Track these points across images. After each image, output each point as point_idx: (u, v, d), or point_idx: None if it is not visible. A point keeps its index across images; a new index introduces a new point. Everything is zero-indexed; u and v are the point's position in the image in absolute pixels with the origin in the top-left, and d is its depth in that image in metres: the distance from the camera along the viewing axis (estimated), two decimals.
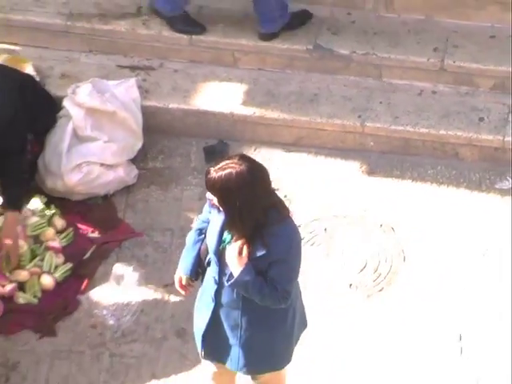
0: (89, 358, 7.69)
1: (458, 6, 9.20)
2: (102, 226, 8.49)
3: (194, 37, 9.14)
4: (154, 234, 8.57)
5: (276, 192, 6.14)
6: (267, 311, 6.24)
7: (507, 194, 8.63)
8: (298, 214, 8.17)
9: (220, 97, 9.04)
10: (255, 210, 5.86)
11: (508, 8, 9.07)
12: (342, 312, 8.06)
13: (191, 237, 6.72)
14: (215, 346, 6.60)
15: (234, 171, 5.81)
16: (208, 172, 5.90)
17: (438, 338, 7.87)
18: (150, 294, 8.20)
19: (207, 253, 6.38)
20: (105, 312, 7.96)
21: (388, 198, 8.71)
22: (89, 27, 9.20)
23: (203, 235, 6.55)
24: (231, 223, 5.97)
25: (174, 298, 8.18)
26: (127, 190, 8.70)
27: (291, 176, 8.83)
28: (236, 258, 5.90)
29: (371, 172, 8.80)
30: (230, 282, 5.97)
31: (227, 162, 5.85)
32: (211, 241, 6.22)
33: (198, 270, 6.59)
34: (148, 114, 8.82)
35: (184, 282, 6.65)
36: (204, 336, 6.56)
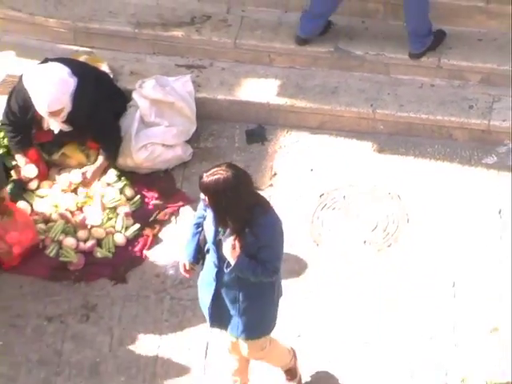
0: (153, 301, 7.98)
1: (452, 16, 9.21)
2: (163, 195, 8.64)
3: (237, 41, 9.19)
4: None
5: (257, 191, 6.52)
6: (259, 286, 6.57)
7: (492, 168, 8.66)
8: (322, 185, 8.68)
9: (258, 90, 9.08)
10: (240, 208, 6.19)
11: (492, 17, 9.11)
12: (357, 263, 8.20)
13: (191, 230, 7.00)
14: (219, 317, 6.88)
15: (221, 177, 6.11)
16: (201, 177, 6.17)
17: (434, 284, 8.00)
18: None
19: (206, 242, 6.72)
20: (166, 264, 8.19)
21: (395, 171, 8.82)
22: (153, 34, 9.29)
23: (200, 228, 6.86)
24: (219, 220, 6.28)
25: None
26: (184, 165, 8.83)
27: (316, 154, 8.93)
28: (230, 252, 6.20)
29: (381, 150, 8.89)
30: (229, 269, 6.29)
31: (217, 168, 6.15)
32: (209, 233, 6.55)
33: (199, 256, 6.93)
34: (200, 104, 8.92)
35: (187, 267, 6.98)
36: (209, 309, 6.85)
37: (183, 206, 8.63)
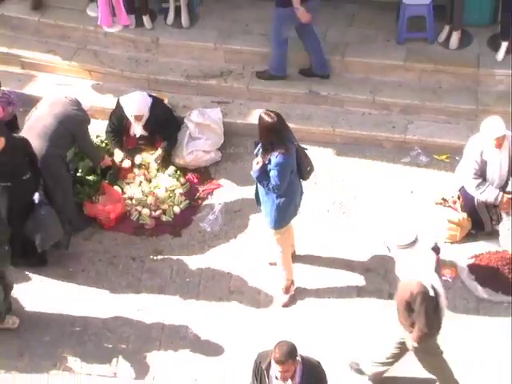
0: (197, 248, 8.01)
1: (382, 70, 9.09)
2: (202, 182, 8.59)
3: (249, 86, 9.14)
4: (229, 183, 8.61)
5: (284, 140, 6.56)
6: (268, 194, 6.82)
7: (407, 165, 8.57)
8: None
9: None
10: (268, 141, 6.57)
11: (408, 70, 9.04)
12: (323, 224, 8.12)
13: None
14: (258, 201, 7.12)
15: (266, 118, 6.55)
16: (260, 116, 6.59)
17: (371, 236, 7.85)
18: (227, 216, 8.27)
19: None
20: (205, 224, 8.22)
21: (346, 166, 8.70)
22: (196, 82, 9.26)
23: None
24: (262, 145, 6.67)
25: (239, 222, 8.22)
26: (216, 164, 8.76)
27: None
28: (254, 166, 6.63)
29: (338, 154, 8.76)
30: (254, 176, 6.71)
31: (269, 111, 6.62)
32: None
33: None
34: (226, 125, 8.83)
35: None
36: (256, 195, 7.12)
37: (215, 188, 8.58)
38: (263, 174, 6.73)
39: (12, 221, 7.23)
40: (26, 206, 7.34)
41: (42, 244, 7.48)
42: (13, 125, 8.26)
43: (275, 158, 6.61)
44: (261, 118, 6.70)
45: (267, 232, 7.25)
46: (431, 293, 5.80)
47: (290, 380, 5.32)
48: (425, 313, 5.82)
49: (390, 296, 6.96)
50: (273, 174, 6.65)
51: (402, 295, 5.97)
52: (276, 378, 5.35)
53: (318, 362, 5.48)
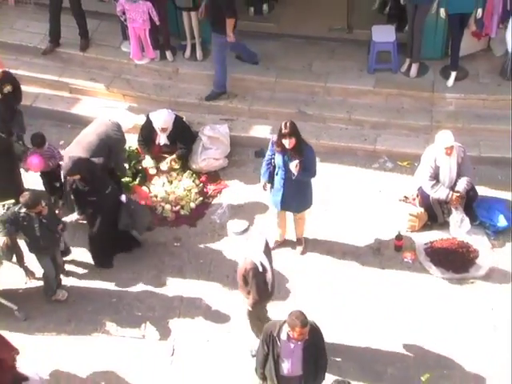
0: (209, 236, 7.95)
1: (355, 95, 8.94)
2: (213, 182, 8.50)
3: (250, 107, 9.04)
4: (234, 184, 8.49)
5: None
6: (306, 183, 6.98)
7: (376, 170, 8.50)
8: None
9: (261, 130, 8.77)
10: (301, 144, 6.65)
11: (377, 94, 8.92)
12: (313, 216, 7.80)
13: (263, 167, 7.22)
14: (285, 205, 7.15)
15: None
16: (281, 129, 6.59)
17: (341, 218, 7.85)
18: (232, 211, 8.15)
19: (275, 168, 6.98)
20: (215, 217, 8.15)
21: (328, 170, 8.38)
22: (208, 103, 9.13)
23: (270, 165, 7.08)
24: (295, 152, 6.64)
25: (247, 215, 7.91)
26: (224, 168, 8.63)
27: None
28: (295, 168, 6.61)
29: (322, 160, 8.16)
30: (295, 176, 6.71)
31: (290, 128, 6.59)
32: (279, 162, 6.84)
33: (270, 179, 7.16)
34: (232, 138, 8.75)
35: (266, 187, 7.26)
36: (280, 203, 7.10)
37: (223, 188, 8.47)
38: (302, 171, 6.78)
39: (105, 224, 7.40)
40: (114, 210, 7.40)
41: (140, 231, 7.71)
42: (55, 174, 8.08)
43: (309, 151, 6.78)
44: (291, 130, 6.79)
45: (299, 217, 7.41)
46: (260, 269, 6.03)
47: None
48: (256, 284, 6.05)
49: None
50: (312, 162, 6.85)
51: (240, 270, 6.17)
52: (287, 340, 5.32)
53: (315, 323, 5.47)
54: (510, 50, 8.48)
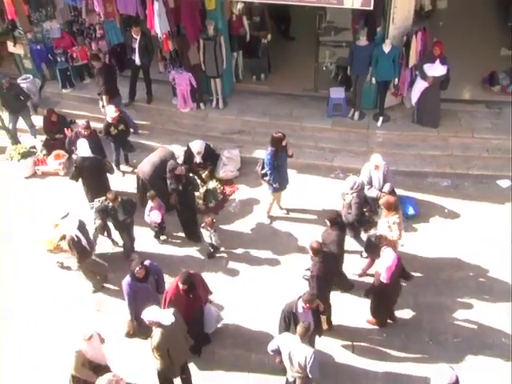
0: (227, 221, 7.54)
1: (321, 130, 8.69)
2: (229, 185, 8.32)
3: (254, 138, 8.69)
4: (242, 187, 8.20)
5: None
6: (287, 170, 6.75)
7: (334, 179, 8.14)
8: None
9: (259, 151, 8.24)
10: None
11: (334, 130, 8.69)
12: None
13: (270, 171, 6.85)
14: (286, 183, 6.93)
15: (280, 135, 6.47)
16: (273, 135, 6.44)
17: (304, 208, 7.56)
18: (241, 204, 7.89)
19: (276, 168, 6.70)
20: (230, 208, 7.99)
21: (304, 180, 8.06)
22: (226, 136, 8.93)
23: (272, 167, 6.72)
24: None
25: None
26: (236, 177, 8.42)
27: None
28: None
29: (299, 172, 8.20)
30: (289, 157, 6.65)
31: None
32: (280, 159, 6.69)
33: (275, 178, 6.80)
34: (241, 158, 8.56)
35: (275, 184, 6.91)
36: (285, 183, 6.80)
37: (236, 190, 8.29)
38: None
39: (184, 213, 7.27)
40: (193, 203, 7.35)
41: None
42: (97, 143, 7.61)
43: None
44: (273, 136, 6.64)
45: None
46: (76, 239, 5.98)
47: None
48: (75, 248, 6.19)
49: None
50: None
51: (67, 241, 6.13)
52: (303, 311, 5.01)
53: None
54: (413, 104, 8.46)
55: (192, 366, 5.63)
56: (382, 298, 5.55)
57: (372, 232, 6.48)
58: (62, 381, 5.39)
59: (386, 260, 5.43)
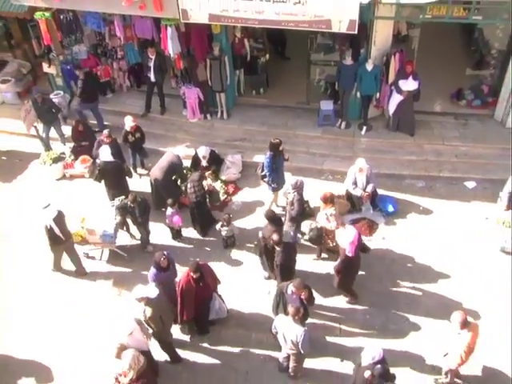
0: (236, 215, 7.44)
1: (312, 137, 8.64)
2: (232, 186, 8.18)
3: (254, 145, 8.54)
4: (244, 188, 8.08)
5: None
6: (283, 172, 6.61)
7: (324, 180, 8.02)
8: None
9: (259, 156, 8.02)
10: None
11: (324, 138, 8.62)
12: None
13: (269, 173, 6.62)
14: (283, 184, 6.67)
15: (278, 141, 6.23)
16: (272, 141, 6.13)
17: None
18: (243, 202, 7.86)
19: (274, 170, 6.52)
20: (233, 206, 7.91)
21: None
22: (229, 143, 8.69)
23: (271, 169, 6.54)
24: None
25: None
26: (238, 179, 8.30)
27: None
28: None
29: (293, 175, 7.71)
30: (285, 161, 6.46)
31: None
32: (278, 162, 6.50)
33: (274, 178, 6.65)
34: (243, 162, 8.45)
35: (274, 184, 6.73)
36: (283, 183, 6.57)
37: (238, 190, 8.20)
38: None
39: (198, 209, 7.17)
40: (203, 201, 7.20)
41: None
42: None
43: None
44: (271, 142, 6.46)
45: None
46: (48, 227, 5.86)
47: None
48: (48, 238, 5.99)
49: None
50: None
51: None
52: (291, 294, 5.04)
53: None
54: (390, 115, 8.45)
55: (203, 343, 5.83)
56: (349, 270, 5.67)
57: (313, 225, 6.42)
58: (62, 381, 5.35)
59: (349, 236, 5.55)
